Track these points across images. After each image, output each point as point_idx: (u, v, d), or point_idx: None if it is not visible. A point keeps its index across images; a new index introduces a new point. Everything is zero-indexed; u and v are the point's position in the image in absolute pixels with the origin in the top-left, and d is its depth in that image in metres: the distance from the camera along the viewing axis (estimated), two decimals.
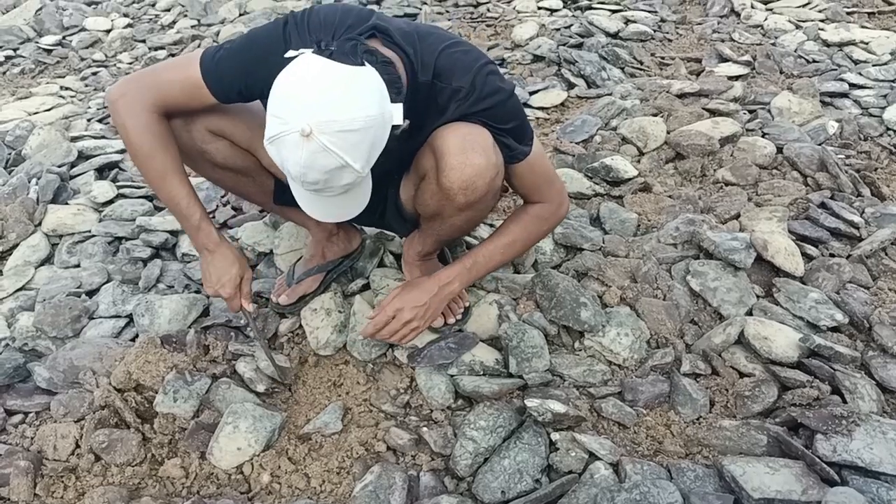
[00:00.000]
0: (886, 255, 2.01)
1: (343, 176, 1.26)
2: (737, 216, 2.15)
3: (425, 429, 1.60)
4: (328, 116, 1.20)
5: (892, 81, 2.96)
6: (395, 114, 1.30)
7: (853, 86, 2.93)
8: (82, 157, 2.64)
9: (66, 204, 2.37)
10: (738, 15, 3.76)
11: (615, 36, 3.48)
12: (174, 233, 2.17)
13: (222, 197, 2.36)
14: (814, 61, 3.18)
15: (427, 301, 1.63)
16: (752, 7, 3.79)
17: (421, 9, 3.94)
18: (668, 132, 2.57)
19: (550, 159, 2.51)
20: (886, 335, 1.72)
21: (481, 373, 1.72)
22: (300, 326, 1.84)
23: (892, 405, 1.63)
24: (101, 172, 2.57)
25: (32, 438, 1.63)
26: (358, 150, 1.23)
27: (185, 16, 4.10)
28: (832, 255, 1.99)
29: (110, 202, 2.37)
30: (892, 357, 1.69)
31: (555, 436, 1.56)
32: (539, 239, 1.76)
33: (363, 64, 1.27)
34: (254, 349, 1.76)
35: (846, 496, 1.40)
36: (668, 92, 2.87)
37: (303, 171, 1.23)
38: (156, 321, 1.86)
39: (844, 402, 1.60)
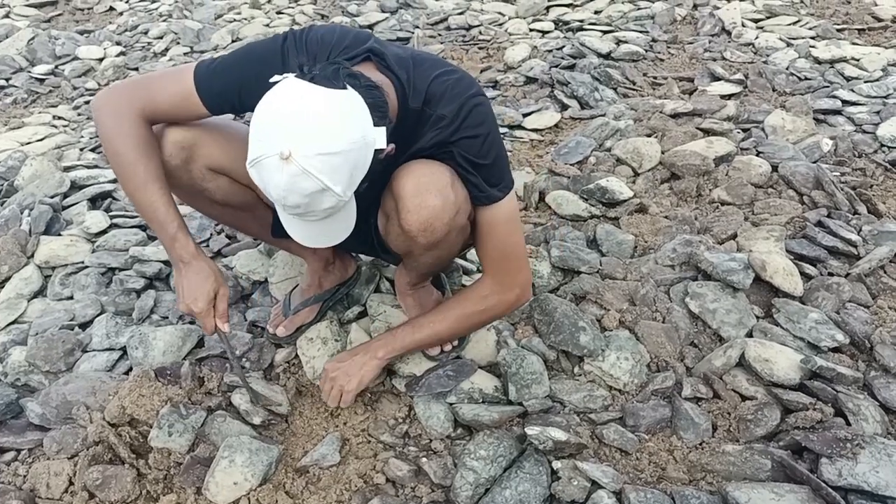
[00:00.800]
0: (885, 273, 2.00)
1: (324, 200, 1.24)
2: (734, 236, 2.14)
3: (425, 459, 1.58)
4: (308, 140, 1.18)
5: (885, 97, 2.97)
6: (378, 138, 1.28)
7: (846, 102, 2.94)
8: (75, 186, 2.63)
9: (59, 235, 2.36)
10: (729, 34, 3.78)
11: (607, 56, 3.49)
12: (168, 263, 2.15)
13: (216, 225, 2.34)
14: (806, 79, 3.20)
15: (344, 367, 1.65)
16: (743, 26, 3.82)
17: (413, 33, 3.95)
18: (663, 152, 2.57)
19: (545, 181, 2.50)
20: (888, 355, 1.70)
21: (480, 400, 1.70)
22: (296, 356, 1.82)
23: None
24: (94, 202, 2.55)
25: (25, 476, 1.60)
26: (338, 173, 1.21)
27: (178, 43, 4.10)
28: (831, 275, 1.98)
29: (103, 232, 2.35)
30: (895, 377, 1.67)
31: (556, 464, 1.53)
32: (477, 325, 1.71)
33: (345, 87, 1.25)
34: (249, 381, 1.73)
35: None
36: (661, 112, 2.87)
37: (283, 194, 1.21)
38: (150, 353, 1.83)
39: (848, 424, 1.58)
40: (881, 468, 1.48)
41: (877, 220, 2.18)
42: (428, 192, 1.42)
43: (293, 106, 1.21)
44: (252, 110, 1.36)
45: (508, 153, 2.77)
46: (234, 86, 1.45)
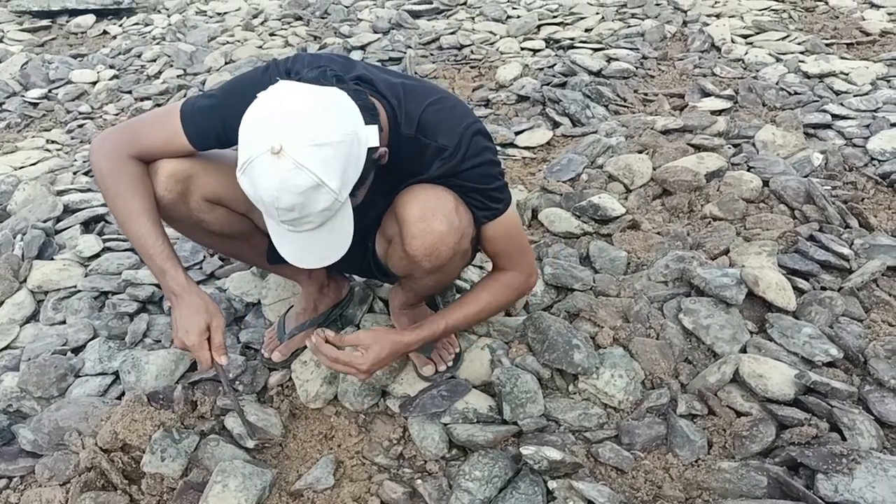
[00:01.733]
0: (878, 286, 2.00)
1: (319, 199, 1.21)
2: (726, 251, 2.14)
3: (419, 481, 1.57)
4: (298, 132, 1.17)
5: (874, 111, 2.99)
6: (371, 136, 1.27)
7: (836, 116, 2.96)
8: (68, 210, 2.63)
9: (52, 259, 2.35)
10: (718, 49, 3.81)
11: (598, 74, 3.52)
12: (161, 286, 2.15)
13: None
14: (796, 93, 3.22)
15: (384, 357, 1.56)
16: (732, 41, 3.85)
17: (405, 53, 3.97)
18: (654, 168, 2.58)
19: (538, 199, 2.51)
20: (882, 369, 1.70)
21: (475, 420, 1.69)
22: (290, 379, 1.81)
23: (892, 440, 1.61)
24: (87, 226, 2.55)
25: None
26: (331, 166, 1.19)
27: (171, 66, 4.12)
28: (823, 289, 1.98)
29: (96, 256, 2.35)
30: (889, 391, 1.67)
31: (552, 484, 1.53)
32: (506, 307, 1.75)
33: (332, 85, 1.25)
34: (243, 404, 1.72)
35: None
36: (652, 128, 2.89)
37: (276, 194, 1.19)
38: (142, 378, 1.83)
39: (844, 439, 1.58)
40: (877, 483, 1.47)
41: (868, 234, 2.19)
42: (434, 216, 1.43)
43: (280, 104, 1.21)
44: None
45: None
46: (217, 120, 1.46)
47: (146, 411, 1.70)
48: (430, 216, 1.43)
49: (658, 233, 2.31)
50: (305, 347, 1.87)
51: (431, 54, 4.01)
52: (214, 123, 1.47)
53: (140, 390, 1.78)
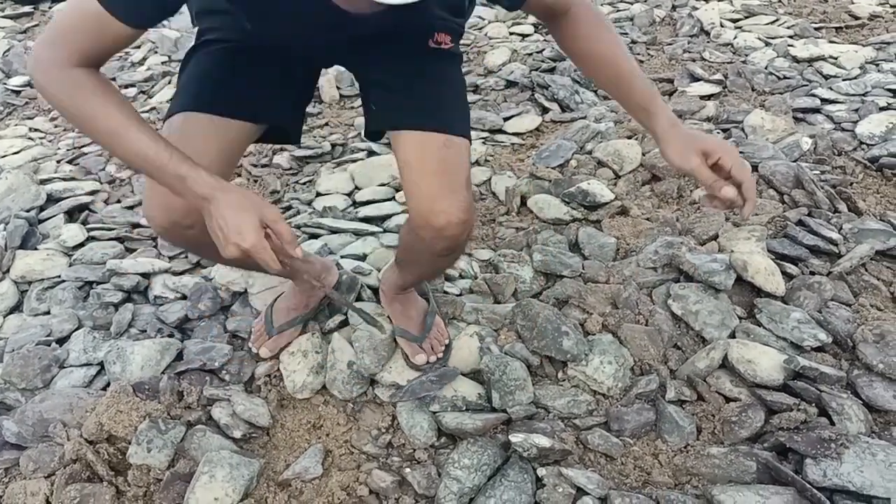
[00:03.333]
0: (867, 270, 2.00)
1: None
2: (715, 237, 2.14)
3: (408, 469, 1.56)
4: None
5: (863, 95, 2.98)
6: None
7: (825, 101, 2.95)
8: (52, 199, 2.60)
9: (36, 249, 2.32)
10: (707, 34, 3.79)
11: None
12: (146, 275, 2.13)
13: None
14: (785, 77, 3.21)
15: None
16: (722, 26, 3.83)
17: None
18: (644, 154, 2.57)
19: (527, 185, 2.49)
20: (870, 353, 1.70)
21: (464, 408, 1.68)
22: (278, 369, 1.80)
23: (880, 424, 1.62)
24: (71, 215, 2.52)
25: (1, 497, 1.56)
26: None
27: (156, 52, 4.07)
28: (812, 273, 1.98)
29: (80, 245, 2.32)
30: (878, 375, 1.67)
31: (541, 471, 1.52)
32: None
33: None
34: (229, 394, 1.71)
35: None
36: None
37: None
38: (128, 368, 1.81)
39: (832, 423, 1.58)
40: (866, 468, 1.48)
41: (857, 218, 2.19)
42: (443, 196, 1.38)
43: None
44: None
45: (490, 158, 2.77)
46: None
47: (132, 402, 1.69)
48: (440, 196, 1.38)
49: (647, 219, 2.30)
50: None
51: None
52: None
53: (125, 381, 1.76)
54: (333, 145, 2.87)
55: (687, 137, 1.32)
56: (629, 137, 2.69)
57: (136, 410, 1.67)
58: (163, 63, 3.89)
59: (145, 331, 1.97)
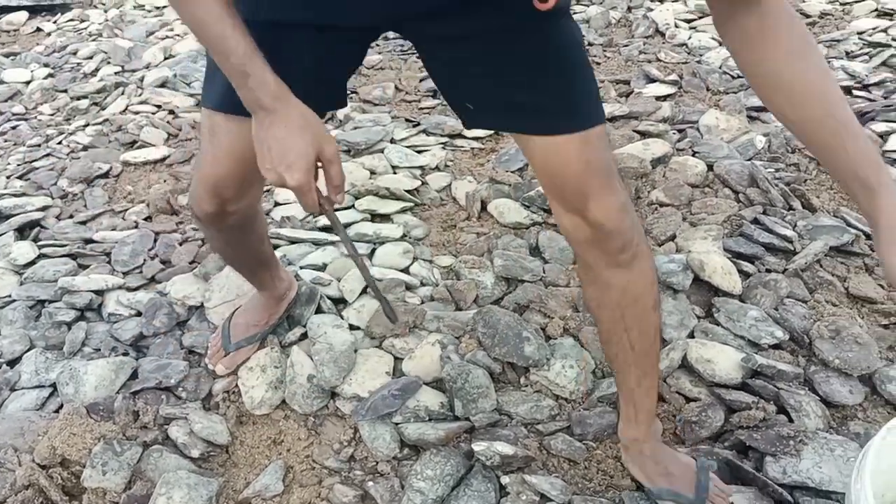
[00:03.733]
0: (821, 266, 2.03)
1: None
2: (672, 237, 2.15)
3: (371, 483, 1.54)
4: None
5: None
6: None
7: None
8: (1, 216, 2.53)
9: None
10: (662, 35, 3.83)
11: None
12: (99, 292, 2.08)
13: (150, 250, 2.27)
14: (738, 77, 3.24)
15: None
16: (676, 26, 3.87)
17: None
18: None
19: (487, 190, 2.49)
20: (827, 349, 1.72)
21: (427, 418, 1.67)
22: (236, 385, 1.76)
23: (838, 420, 1.64)
24: (21, 232, 2.45)
25: None
26: None
27: (109, 63, 3.98)
28: (769, 271, 2.00)
29: (31, 263, 2.25)
30: (834, 371, 1.69)
31: (504, 479, 1.52)
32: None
33: None
34: (187, 412, 1.67)
35: None
36: None
37: None
38: (81, 389, 1.76)
39: (791, 420, 1.60)
40: (824, 464, 1.50)
41: (811, 215, 2.22)
42: (605, 201, 1.16)
43: None
44: None
45: (450, 163, 2.76)
46: None
47: (85, 424, 1.65)
48: (597, 199, 1.15)
49: None
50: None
51: (377, 44, 3.95)
52: None
53: (79, 402, 1.72)
54: None
55: None
56: None
57: (90, 432, 1.63)
58: (116, 73, 3.82)
59: (99, 349, 1.92)
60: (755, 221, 2.16)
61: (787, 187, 2.33)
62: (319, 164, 1.09)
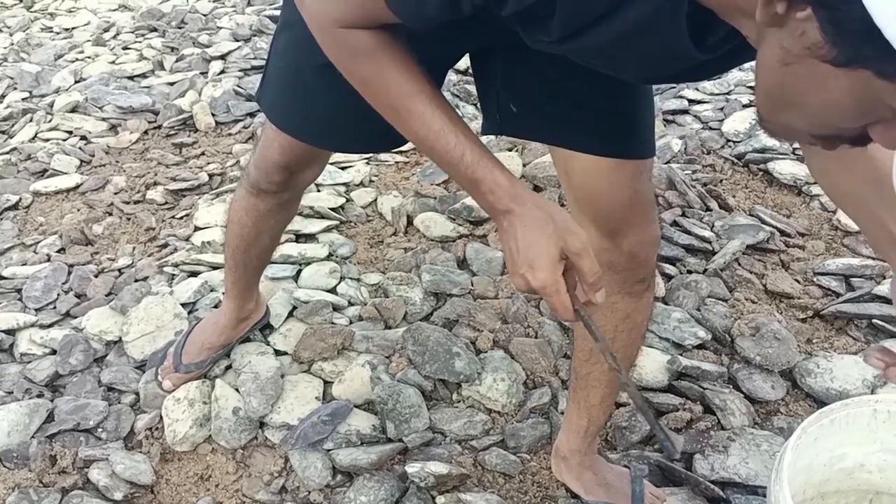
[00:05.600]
0: (739, 265, 2.09)
1: None
2: None
3: None
4: None
5: (727, 94, 3.12)
6: None
7: (692, 101, 3.07)
8: None
9: None
10: None
11: (465, 73, 3.52)
12: (10, 331, 1.98)
13: (63, 283, 2.17)
14: None
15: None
16: None
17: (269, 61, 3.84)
18: (524, 165, 2.60)
19: (413, 204, 2.47)
20: (748, 346, 1.77)
21: (359, 443, 1.64)
22: (160, 420, 1.70)
23: (762, 415, 1.68)
24: None
25: None
26: None
27: (15, 88, 3.82)
28: (689, 272, 2.04)
29: None
30: (756, 367, 1.74)
31: (440, 499, 1.50)
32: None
33: None
34: (107, 452, 1.60)
35: None
36: None
37: None
38: None
39: (717, 419, 1.63)
40: (751, 459, 1.54)
41: (728, 215, 2.28)
42: (644, 233, 1.18)
43: None
44: None
45: (375, 178, 2.74)
46: None
47: None
48: (636, 229, 1.16)
49: None
50: None
51: None
52: None
53: None
54: (211, 175, 2.76)
55: None
56: (509, 150, 2.72)
57: (2, 482, 1.56)
58: (23, 99, 3.67)
59: (12, 392, 1.82)
60: (674, 224, 2.21)
61: (703, 188, 2.39)
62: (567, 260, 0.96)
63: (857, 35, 0.58)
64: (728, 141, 2.76)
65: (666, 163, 2.55)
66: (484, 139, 2.78)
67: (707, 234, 2.13)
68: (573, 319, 0.97)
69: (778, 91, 0.70)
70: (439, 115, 0.95)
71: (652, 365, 1.74)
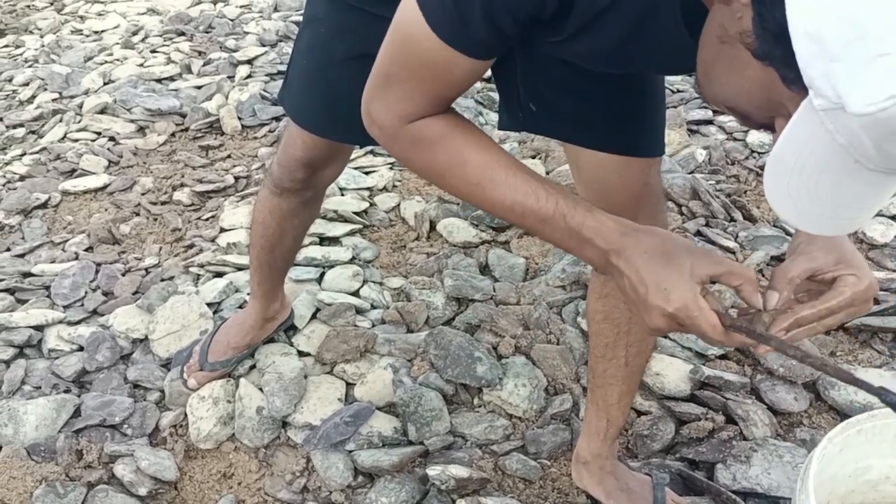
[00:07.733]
0: (763, 276, 2.08)
1: None
2: None
3: None
4: None
5: None
6: None
7: (716, 112, 3.07)
8: None
9: None
10: None
11: (489, 81, 3.53)
12: (39, 328, 2.01)
13: (91, 282, 2.21)
14: (678, 91, 3.32)
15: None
16: None
17: None
18: (548, 173, 2.61)
19: (436, 210, 2.48)
20: (771, 357, 1.76)
21: (380, 444, 1.65)
22: (185, 417, 1.72)
23: (784, 427, 1.67)
24: None
25: None
26: None
27: (46, 89, 3.89)
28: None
29: None
30: (779, 379, 1.73)
31: (460, 503, 1.51)
32: None
33: None
34: (133, 448, 1.62)
35: None
36: None
37: None
38: (21, 430, 1.70)
39: (740, 430, 1.63)
40: (773, 470, 1.53)
41: (752, 226, 2.27)
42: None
43: None
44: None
45: (398, 183, 2.75)
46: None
47: (26, 466, 1.60)
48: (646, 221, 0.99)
49: None
50: None
51: None
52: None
53: (18, 444, 1.66)
54: (237, 178, 2.79)
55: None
56: (533, 157, 2.73)
57: (31, 475, 1.58)
58: (53, 100, 3.73)
59: (40, 387, 1.86)
60: (698, 234, 2.21)
61: (727, 199, 2.38)
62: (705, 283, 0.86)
63: (773, 35, 0.61)
64: (752, 152, 2.75)
65: (690, 173, 2.55)
66: (507, 146, 2.80)
67: (731, 244, 2.12)
68: (726, 343, 0.86)
69: (710, 63, 0.74)
70: (521, 176, 0.92)
71: (674, 374, 1.73)
